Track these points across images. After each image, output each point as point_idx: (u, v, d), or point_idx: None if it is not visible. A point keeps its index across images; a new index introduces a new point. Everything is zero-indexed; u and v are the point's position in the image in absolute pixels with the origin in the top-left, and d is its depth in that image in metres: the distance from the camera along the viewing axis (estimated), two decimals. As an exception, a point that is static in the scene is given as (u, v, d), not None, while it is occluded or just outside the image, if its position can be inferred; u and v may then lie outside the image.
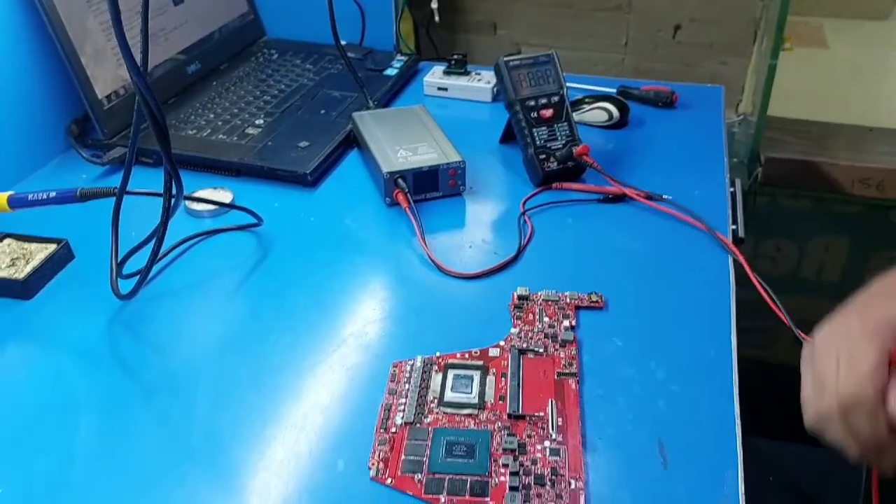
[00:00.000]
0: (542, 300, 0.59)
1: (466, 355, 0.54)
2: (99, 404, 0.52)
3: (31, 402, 0.52)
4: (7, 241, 0.66)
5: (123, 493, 0.45)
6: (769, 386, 0.65)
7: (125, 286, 0.59)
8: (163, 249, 0.63)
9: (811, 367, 0.44)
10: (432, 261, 0.64)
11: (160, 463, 0.47)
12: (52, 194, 0.60)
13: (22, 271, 0.62)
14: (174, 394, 0.52)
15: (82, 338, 0.57)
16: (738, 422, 0.49)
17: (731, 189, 0.76)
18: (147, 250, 0.58)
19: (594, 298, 0.59)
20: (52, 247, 0.65)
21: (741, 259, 0.64)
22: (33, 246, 0.65)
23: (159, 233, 0.54)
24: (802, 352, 0.46)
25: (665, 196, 0.71)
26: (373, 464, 0.46)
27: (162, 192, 0.54)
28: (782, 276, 1.28)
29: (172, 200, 0.53)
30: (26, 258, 0.64)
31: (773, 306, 0.58)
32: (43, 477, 0.46)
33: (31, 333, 0.58)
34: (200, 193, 0.71)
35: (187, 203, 0.71)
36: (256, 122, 0.84)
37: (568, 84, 0.76)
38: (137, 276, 0.58)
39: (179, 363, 0.55)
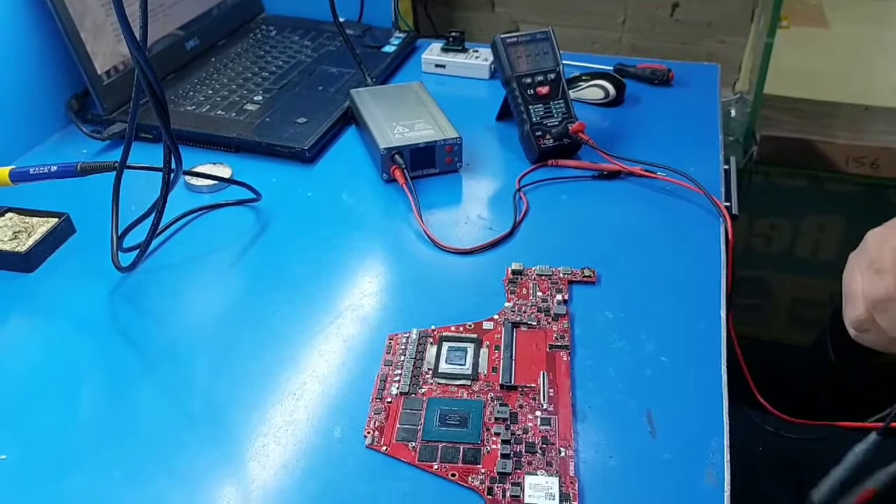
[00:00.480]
0: (536, 275, 0.60)
1: (461, 328, 0.55)
2: (101, 374, 0.53)
3: (34, 372, 0.53)
4: (9, 214, 0.66)
5: (125, 459, 0.47)
6: (761, 362, 0.67)
7: (126, 259, 0.60)
8: (162, 224, 0.64)
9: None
10: (428, 236, 0.65)
11: (161, 430, 0.48)
12: (53, 168, 0.61)
13: (24, 244, 0.63)
14: (174, 363, 0.54)
15: (84, 310, 0.58)
16: (724, 391, 0.51)
17: (726, 167, 0.77)
18: (147, 224, 0.59)
19: (587, 273, 0.60)
20: (53, 221, 0.66)
21: (730, 228, 0.65)
22: (35, 220, 0.66)
23: (159, 206, 0.55)
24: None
25: (660, 173, 0.71)
26: (368, 432, 0.47)
27: (161, 166, 0.55)
28: (777, 255, 1.30)
29: (172, 175, 0.54)
30: (28, 232, 0.65)
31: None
32: (46, 445, 0.48)
33: (34, 306, 0.59)
34: (199, 169, 0.72)
35: (186, 178, 0.72)
36: (255, 98, 0.84)
37: (564, 61, 0.77)
38: (138, 250, 0.59)
39: (180, 334, 0.56)
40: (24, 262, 0.62)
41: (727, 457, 0.46)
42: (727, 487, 0.44)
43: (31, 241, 0.63)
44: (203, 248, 0.65)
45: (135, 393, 0.51)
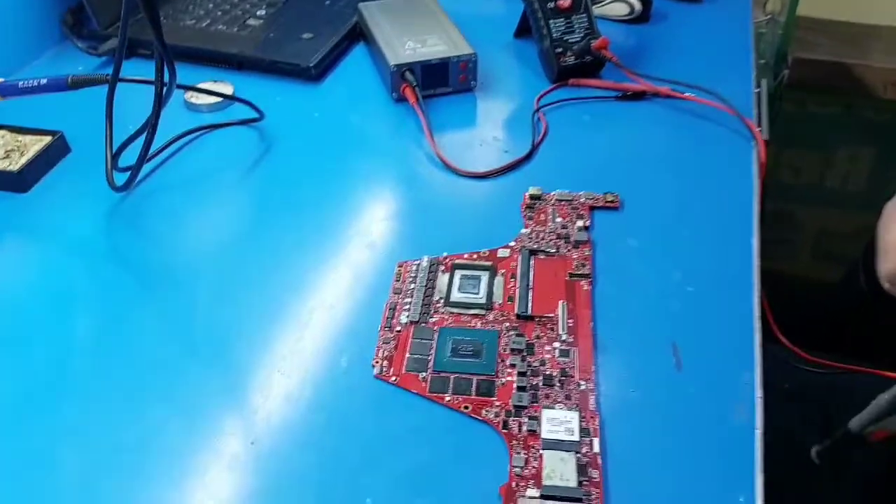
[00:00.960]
0: (556, 200, 0.56)
1: (475, 256, 0.52)
2: (97, 299, 0.51)
3: (27, 295, 0.51)
4: (1, 132, 0.63)
5: (123, 387, 0.45)
6: (786, 298, 0.64)
7: (121, 179, 0.57)
8: (161, 143, 0.61)
9: None
10: (441, 159, 0.61)
11: (160, 357, 0.46)
12: (43, 82, 0.57)
13: (17, 163, 0.60)
14: (174, 289, 0.51)
15: (80, 232, 0.56)
16: (756, 324, 0.48)
17: (757, 90, 0.72)
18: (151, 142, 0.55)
19: (610, 198, 0.56)
20: (47, 139, 0.62)
21: (763, 152, 0.61)
22: (28, 138, 0.63)
23: (151, 121, 0.52)
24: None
25: (688, 93, 0.67)
26: (377, 362, 0.45)
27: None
28: (805, 187, 1.25)
29: (165, 88, 0.50)
30: (21, 150, 0.61)
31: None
32: (40, 372, 0.46)
33: (28, 227, 0.57)
34: (200, 86, 0.68)
35: (186, 96, 0.68)
36: (258, 12, 0.79)
37: (588, -28, 0.71)
38: (140, 167, 0.56)
39: (180, 258, 0.54)
40: (18, 181, 0.59)
41: (759, 392, 0.43)
42: (759, 424, 0.42)
43: (24, 160, 0.60)
44: (204, 170, 0.61)
45: (132, 319, 0.49)
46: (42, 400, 0.44)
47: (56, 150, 0.62)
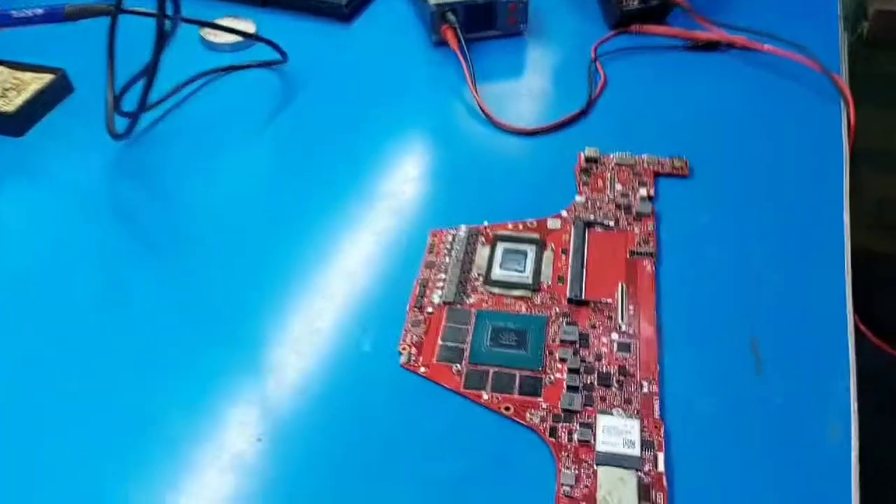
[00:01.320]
0: (615, 164, 0.49)
1: (520, 226, 0.45)
2: (96, 258, 0.45)
3: (20, 250, 0.45)
4: (-2, 68, 0.57)
5: (118, 355, 0.39)
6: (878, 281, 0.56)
7: (124, 125, 0.50)
8: (175, 85, 0.55)
9: None
10: (484, 112, 0.54)
11: (161, 326, 0.41)
12: (39, 11, 0.51)
13: (12, 103, 0.54)
14: (181, 250, 0.45)
15: (79, 183, 0.50)
16: (850, 320, 0.40)
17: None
18: (154, 85, 0.49)
19: (677, 164, 0.49)
20: (47, 77, 0.56)
21: (853, 114, 0.53)
22: (27, 76, 0.57)
23: (153, 60, 0.45)
24: None
25: (767, 44, 0.58)
26: (404, 348, 0.39)
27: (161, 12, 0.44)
28: (868, 151, 1.15)
29: (169, 22, 0.43)
30: (19, 89, 0.55)
31: None
32: (28, 338, 0.40)
33: (23, 174, 0.51)
34: (218, 22, 0.61)
35: (202, 33, 0.61)
36: (285, -58, 0.71)
37: None
38: (140, 113, 0.50)
39: (189, 216, 0.47)
40: (13, 123, 0.53)
41: (854, 406, 0.36)
42: (855, 443, 0.35)
43: (20, 100, 0.54)
44: (218, 117, 0.55)
45: (134, 281, 0.43)
46: (26, 373, 0.39)
47: (57, 90, 0.56)
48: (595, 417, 0.35)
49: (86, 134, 0.53)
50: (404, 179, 0.50)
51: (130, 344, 0.40)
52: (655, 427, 0.35)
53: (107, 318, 0.41)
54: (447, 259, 0.43)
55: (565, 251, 0.43)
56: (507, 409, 0.36)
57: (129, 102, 0.51)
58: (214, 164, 0.51)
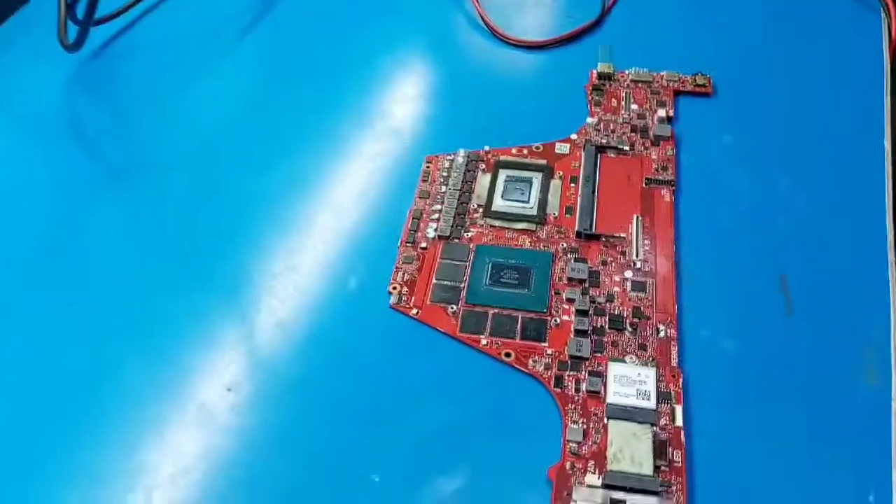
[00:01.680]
0: (631, 81, 0.44)
1: (525, 151, 0.41)
2: (52, 186, 0.41)
3: (-32, 183, 0.41)
4: (-54, -23, 0.52)
5: (72, 300, 0.35)
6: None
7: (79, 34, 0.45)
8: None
9: None
10: (485, 22, 0.48)
11: (121, 260, 0.37)
12: None
13: (-38, 17, 0.49)
14: (145, 178, 0.41)
15: (34, 99, 0.45)
16: (891, 254, 0.36)
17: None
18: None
19: (699, 81, 0.44)
20: (1, -13, 0.51)
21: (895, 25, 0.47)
22: (-21, -15, 0.51)
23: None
24: None
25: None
26: (394, 287, 0.35)
27: None
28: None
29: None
30: (-30, 0, 0.50)
31: None
32: (-24, 280, 0.37)
33: (-26, 96, 0.46)
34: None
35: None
36: None
37: None
38: (100, 23, 0.45)
39: (156, 139, 0.43)
40: (-35, 39, 0.48)
41: (894, 347, 0.33)
42: (895, 391, 0.31)
43: (-29, 13, 0.49)
44: (192, 30, 0.50)
45: (91, 212, 0.39)
46: (-26, 318, 0.35)
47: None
48: (606, 365, 0.32)
49: (41, 47, 0.47)
50: (397, 98, 0.45)
51: (86, 283, 0.36)
52: (673, 376, 0.31)
53: (59, 254, 0.37)
54: (443, 188, 0.39)
55: (574, 179, 0.39)
56: (508, 355, 0.32)
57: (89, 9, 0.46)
58: (186, 82, 0.46)
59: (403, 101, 0.45)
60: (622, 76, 0.44)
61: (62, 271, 0.37)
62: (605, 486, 0.28)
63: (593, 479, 0.28)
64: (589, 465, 0.29)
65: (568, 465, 0.29)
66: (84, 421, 0.31)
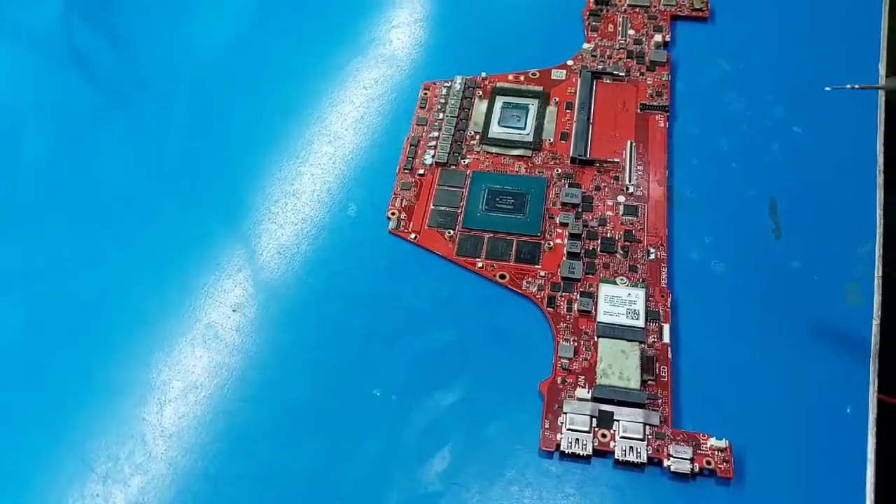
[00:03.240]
0: (628, 6, 0.44)
1: (521, 77, 0.41)
2: (50, 112, 0.41)
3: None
4: None
5: (77, 223, 0.36)
6: None
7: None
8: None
9: None
10: (482, -53, 0.48)
11: (124, 185, 0.38)
12: None
13: (-47, -57, 0.48)
14: (146, 103, 0.41)
15: (31, 26, 0.45)
16: (879, 178, 0.37)
17: None
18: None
19: (697, 5, 0.44)
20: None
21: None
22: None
23: None
24: None
25: None
26: (392, 213, 0.36)
27: None
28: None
29: None
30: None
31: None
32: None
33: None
34: None
35: None
36: None
37: None
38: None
39: (154, 64, 0.43)
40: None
41: (879, 270, 0.34)
42: (876, 312, 0.32)
43: (-38, -61, 0.48)
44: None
45: (93, 137, 0.40)
46: (-16, 245, 0.36)
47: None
48: (597, 286, 0.33)
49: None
50: (392, 23, 0.45)
51: (89, 208, 0.37)
52: (662, 297, 0.32)
53: (62, 179, 0.38)
54: (440, 115, 0.39)
55: (570, 105, 0.39)
56: (503, 277, 0.33)
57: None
58: (183, 6, 0.46)
59: (401, 26, 0.45)
60: (619, 1, 0.44)
61: (67, 196, 0.38)
62: (595, 400, 0.30)
63: (583, 392, 0.30)
64: (579, 379, 0.30)
65: (559, 381, 0.30)
66: (96, 340, 0.33)
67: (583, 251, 0.34)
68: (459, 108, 0.39)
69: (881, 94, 0.40)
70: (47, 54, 0.44)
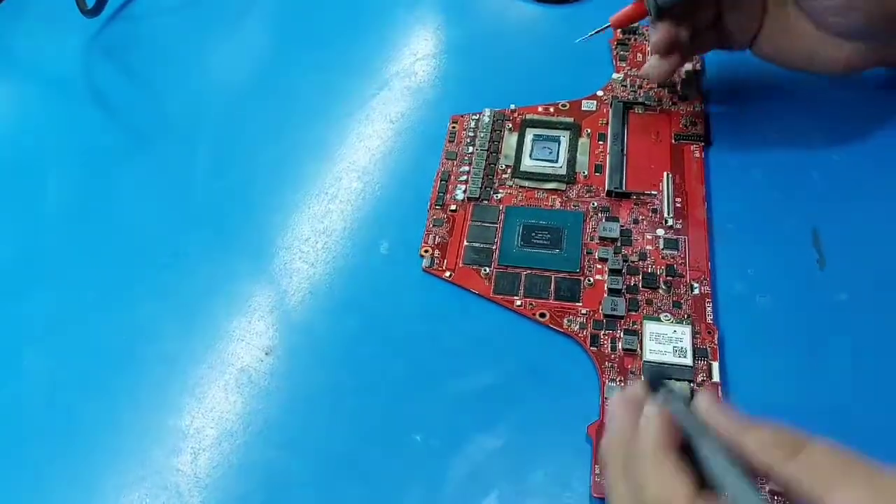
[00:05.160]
0: (656, 34, 0.43)
1: (551, 109, 0.40)
2: (73, 155, 0.41)
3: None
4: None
5: (104, 268, 0.36)
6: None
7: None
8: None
9: None
10: (505, -22, 0.47)
11: (150, 227, 0.37)
12: None
13: (-26, -17, 0.48)
14: (168, 144, 0.41)
15: (54, 65, 0.45)
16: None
17: None
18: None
19: (726, 33, 0.43)
20: (11, -49, 0.50)
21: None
22: (-11, -50, 0.50)
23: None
24: None
25: None
26: (426, 251, 0.35)
27: None
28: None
29: None
30: (-20, -34, 0.49)
31: None
32: (6, 234, 0.37)
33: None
34: None
35: None
36: None
37: None
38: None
39: (176, 105, 0.43)
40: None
41: (930, 301, 0.33)
42: (930, 345, 0.31)
43: (-17, -21, 0.48)
44: (206, -8, 0.49)
45: (117, 179, 0.39)
46: (5, 281, 0.35)
47: (24, -35, 0.50)
48: (641, 323, 0.32)
49: (60, 12, 0.47)
50: (418, 55, 0.44)
51: (115, 252, 0.36)
52: (709, 333, 0.31)
53: (87, 224, 0.38)
54: (470, 149, 0.39)
55: (602, 137, 0.39)
56: (543, 315, 0.32)
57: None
58: (205, 46, 0.46)
59: (425, 58, 0.44)
60: (647, 30, 0.43)
61: (92, 241, 0.37)
62: (645, 443, 0.28)
63: (633, 436, 0.29)
64: (628, 422, 0.29)
65: (608, 423, 0.29)
66: (126, 388, 0.32)
67: (624, 287, 0.33)
68: (489, 142, 0.39)
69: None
70: (69, 96, 0.44)
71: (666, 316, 0.32)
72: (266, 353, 0.32)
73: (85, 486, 0.29)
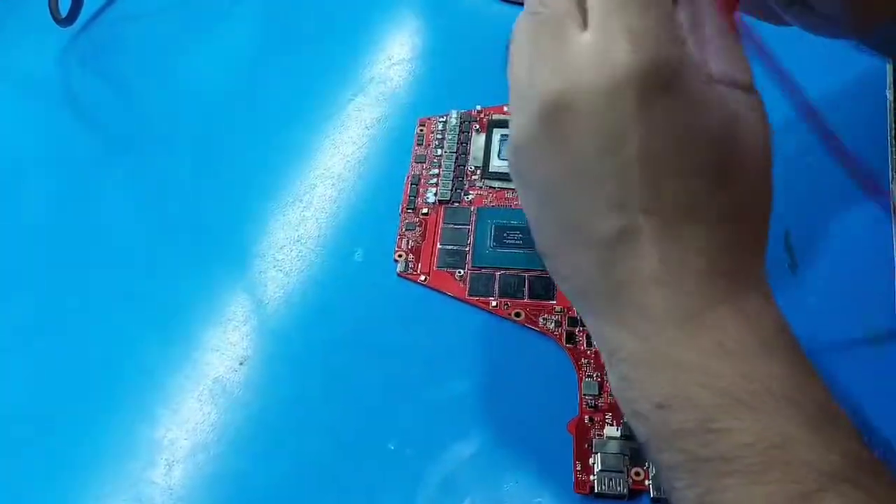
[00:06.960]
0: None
1: (520, 109, 0.40)
2: (51, 161, 0.40)
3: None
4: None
5: (80, 279, 0.35)
6: None
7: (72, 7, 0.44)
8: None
9: None
10: (473, -19, 0.47)
11: (132, 236, 0.37)
12: None
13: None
14: (145, 151, 0.40)
15: (31, 73, 0.44)
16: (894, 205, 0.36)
17: None
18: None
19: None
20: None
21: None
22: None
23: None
24: None
25: None
26: (399, 255, 0.35)
27: None
28: None
29: None
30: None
31: None
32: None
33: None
34: None
35: None
36: None
37: None
38: None
39: (152, 110, 0.42)
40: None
41: (900, 299, 0.33)
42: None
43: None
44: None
45: (97, 185, 0.39)
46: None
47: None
48: (615, 320, 0.32)
49: (36, 19, 0.46)
50: (392, 60, 0.44)
51: (90, 259, 0.36)
52: (683, 327, 0.31)
53: (62, 231, 0.37)
54: (439, 151, 0.39)
55: (573, 136, 0.39)
56: (518, 315, 0.32)
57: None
58: (180, 53, 0.45)
59: (400, 63, 0.44)
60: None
61: (67, 248, 0.36)
62: (624, 437, 0.28)
63: (612, 430, 0.29)
64: (607, 417, 0.29)
65: (586, 419, 0.29)
66: (100, 398, 0.31)
67: (598, 284, 0.33)
68: (457, 143, 0.39)
69: (890, 119, 0.40)
70: (46, 102, 0.43)
71: (640, 312, 0.32)
72: (240, 363, 0.32)
73: (59, 496, 0.29)
